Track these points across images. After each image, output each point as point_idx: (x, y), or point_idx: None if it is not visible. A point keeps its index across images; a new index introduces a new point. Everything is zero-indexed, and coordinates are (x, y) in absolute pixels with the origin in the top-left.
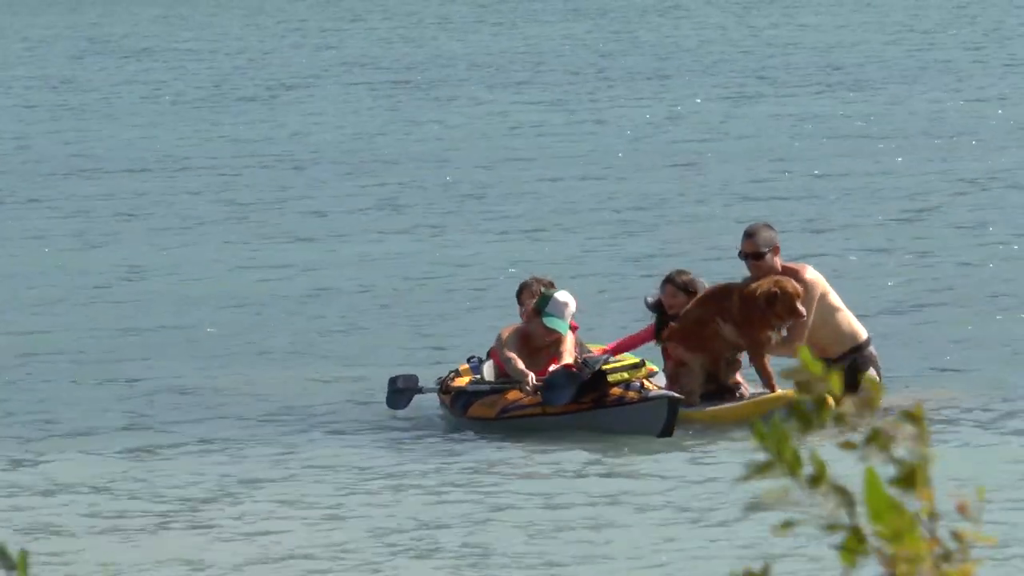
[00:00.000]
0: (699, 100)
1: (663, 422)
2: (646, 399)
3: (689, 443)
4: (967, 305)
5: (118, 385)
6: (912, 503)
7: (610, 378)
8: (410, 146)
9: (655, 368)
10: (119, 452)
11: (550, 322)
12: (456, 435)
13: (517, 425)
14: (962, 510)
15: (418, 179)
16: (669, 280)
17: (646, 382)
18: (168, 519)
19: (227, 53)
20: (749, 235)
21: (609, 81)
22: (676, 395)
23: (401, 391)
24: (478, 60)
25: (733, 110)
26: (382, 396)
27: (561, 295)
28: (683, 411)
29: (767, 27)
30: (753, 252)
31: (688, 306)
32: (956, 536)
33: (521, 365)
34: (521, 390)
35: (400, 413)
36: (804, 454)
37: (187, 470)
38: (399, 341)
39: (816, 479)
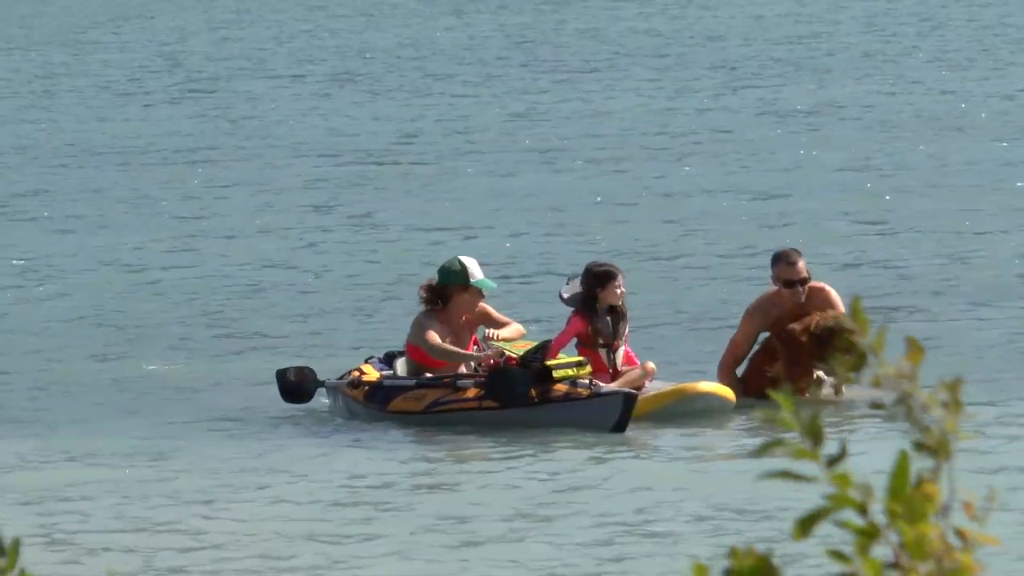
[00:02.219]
0: (641, 93)
1: (616, 419)
2: (599, 395)
3: (634, 438)
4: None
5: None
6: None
7: (556, 374)
8: (338, 138)
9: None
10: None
11: (482, 284)
12: (383, 431)
13: (447, 420)
14: (968, 510)
15: (343, 172)
16: (614, 275)
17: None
18: (77, 517)
19: (161, 43)
20: (793, 262)
21: (549, 73)
22: (632, 391)
23: (296, 384)
24: (412, 52)
25: (674, 104)
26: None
27: (464, 259)
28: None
29: (725, 17)
30: (802, 279)
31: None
32: (960, 534)
33: (458, 349)
34: (466, 376)
35: (303, 407)
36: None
37: (101, 471)
38: (306, 334)
39: (836, 459)
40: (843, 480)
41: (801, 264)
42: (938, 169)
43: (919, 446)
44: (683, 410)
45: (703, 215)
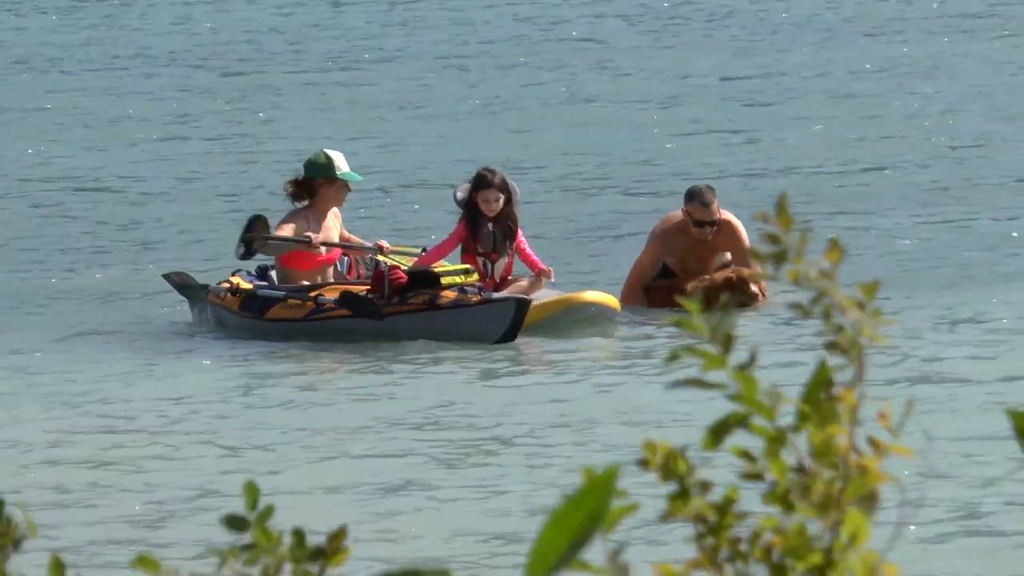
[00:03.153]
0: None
1: (508, 325)
2: (490, 300)
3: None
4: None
5: None
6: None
7: (444, 281)
8: (215, 47)
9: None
10: None
11: (348, 176)
12: (264, 341)
13: (328, 328)
14: (882, 419)
15: (225, 81)
16: (488, 184)
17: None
18: None
19: None
20: (707, 203)
21: None
22: (524, 297)
23: (184, 284)
24: None
25: (559, 11)
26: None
27: (330, 151)
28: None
29: None
30: (713, 221)
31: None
32: (872, 443)
33: (294, 236)
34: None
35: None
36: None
37: None
38: (183, 244)
39: (746, 365)
40: (751, 385)
41: (715, 206)
42: (836, 75)
43: (831, 346)
44: (568, 319)
45: (590, 123)
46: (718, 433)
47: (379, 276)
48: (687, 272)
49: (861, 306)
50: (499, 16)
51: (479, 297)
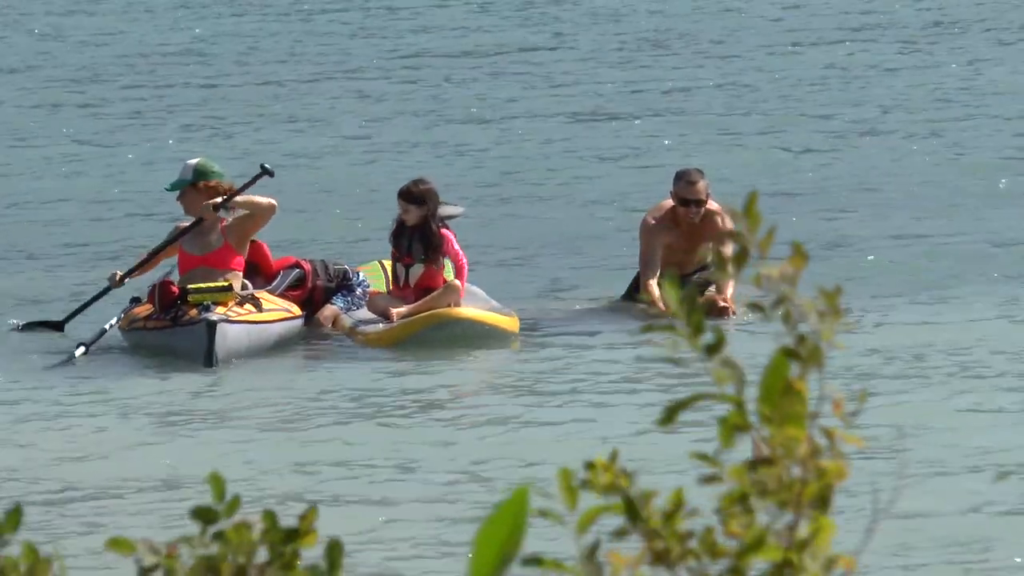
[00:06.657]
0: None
1: (204, 349)
2: (194, 322)
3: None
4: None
5: None
6: (808, 393)
7: (191, 298)
8: (95, 51)
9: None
10: None
11: (174, 186)
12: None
13: (140, 339)
14: (835, 408)
15: (109, 91)
16: (400, 194)
17: (236, 307)
18: None
19: None
20: (693, 182)
21: None
22: (214, 319)
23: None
24: None
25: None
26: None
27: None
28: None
29: None
30: (699, 200)
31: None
32: (826, 433)
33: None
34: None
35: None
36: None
37: None
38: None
39: (714, 348)
40: (722, 371)
41: (701, 185)
42: (781, 80)
43: (790, 353)
44: (440, 336)
45: (528, 138)
46: (674, 412)
47: (152, 290)
48: (674, 263)
49: (822, 313)
50: (431, 25)
51: (199, 317)
